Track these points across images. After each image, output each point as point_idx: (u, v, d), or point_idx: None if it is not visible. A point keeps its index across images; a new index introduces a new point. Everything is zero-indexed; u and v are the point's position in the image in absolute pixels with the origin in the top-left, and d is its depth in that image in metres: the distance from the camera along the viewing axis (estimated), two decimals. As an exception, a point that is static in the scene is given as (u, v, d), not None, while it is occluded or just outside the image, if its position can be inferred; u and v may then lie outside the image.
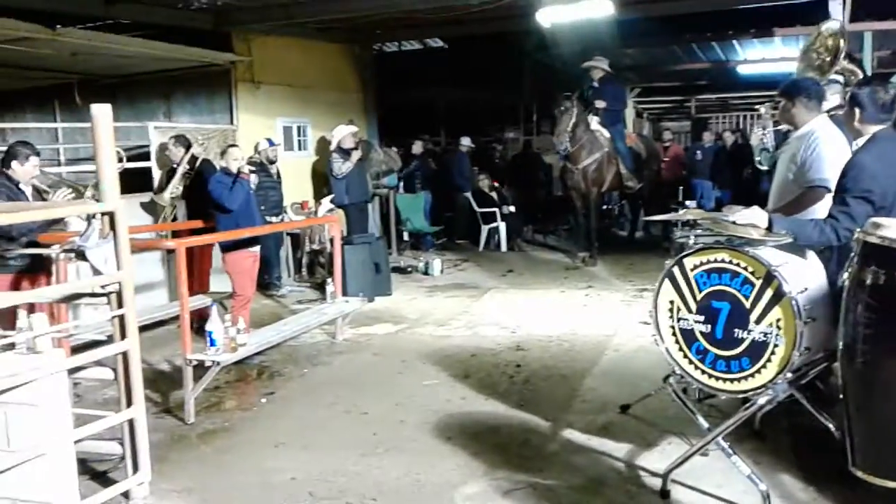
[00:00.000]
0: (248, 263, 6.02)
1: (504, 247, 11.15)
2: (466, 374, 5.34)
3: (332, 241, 6.80)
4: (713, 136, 12.88)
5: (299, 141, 10.05)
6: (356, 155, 9.16)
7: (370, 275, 7.96)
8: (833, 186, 3.94)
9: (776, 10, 10.19)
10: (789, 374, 3.17)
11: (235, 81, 8.98)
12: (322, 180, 9.94)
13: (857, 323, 2.68)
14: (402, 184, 11.62)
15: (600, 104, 9.78)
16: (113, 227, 3.51)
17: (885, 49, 11.30)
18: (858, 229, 2.78)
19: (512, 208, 11.48)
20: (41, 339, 3.15)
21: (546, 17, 7.80)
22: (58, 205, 4.73)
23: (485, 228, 11.30)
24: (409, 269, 9.55)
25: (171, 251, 6.13)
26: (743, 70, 14.40)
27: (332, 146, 9.28)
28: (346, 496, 3.57)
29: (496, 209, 11.24)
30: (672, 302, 3.49)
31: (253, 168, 6.41)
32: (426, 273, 9.38)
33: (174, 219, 7.30)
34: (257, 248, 6.16)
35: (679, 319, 3.47)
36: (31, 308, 3.51)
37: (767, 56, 13.70)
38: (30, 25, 6.77)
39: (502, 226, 11.17)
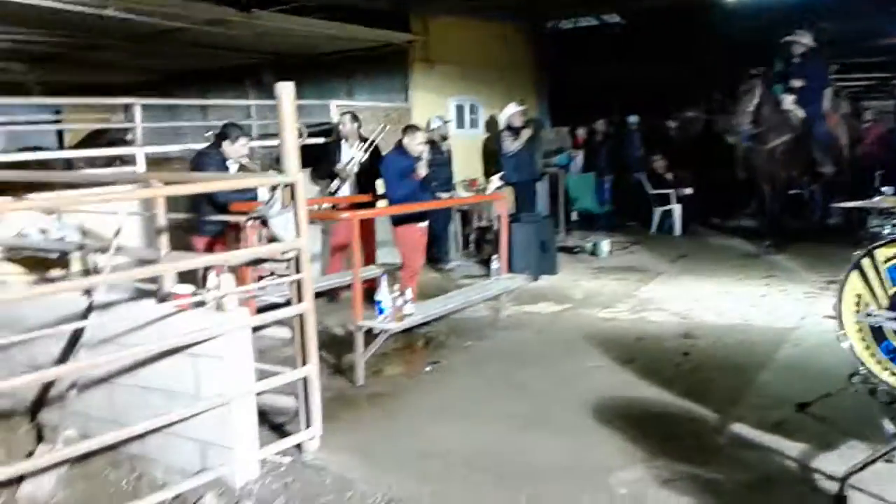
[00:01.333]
0: (417, 237, 6.21)
1: (678, 230, 10.73)
2: (630, 358, 5.21)
3: (499, 218, 6.84)
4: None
5: (471, 119, 10.20)
6: (525, 133, 9.16)
7: (536, 253, 7.95)
8: None
9: None
10: None
11: (411, 61, 9.24)
12: (491, 158, 10.03)
13: None
14: (572, 163, 11.49)
15: (797, 83, 9.03)
16: (293, 197, 3.74)
17: None
18: None
19: (689, 191, 11.00)
20: (228, 298, 3.43)
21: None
22: (244, 176, 5.13)
23: (657, 211, 10.92)
24: (577, 250, 9.44)
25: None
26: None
27: (502, 125, 9.32)
28: (501, 470, 3.61)
29: (670, 191, 10.82)
30: (860, 296, 3.22)
31: (429, 169, 6.44)
32: (593, 254, 9.24)
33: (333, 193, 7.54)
34: (426, 223, 6.33)
35: (867, 315, 3.19)
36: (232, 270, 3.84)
37: None
38: (226, 9, 7.32)
39: (677, 209, 10.74)
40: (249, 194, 5.28)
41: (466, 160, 9.80)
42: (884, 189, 3.86)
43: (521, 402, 4.52)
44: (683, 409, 4.28)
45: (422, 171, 6.18)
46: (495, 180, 9.10)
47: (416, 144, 6.16)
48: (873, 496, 3.16)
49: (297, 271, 3.71)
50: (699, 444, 3.81)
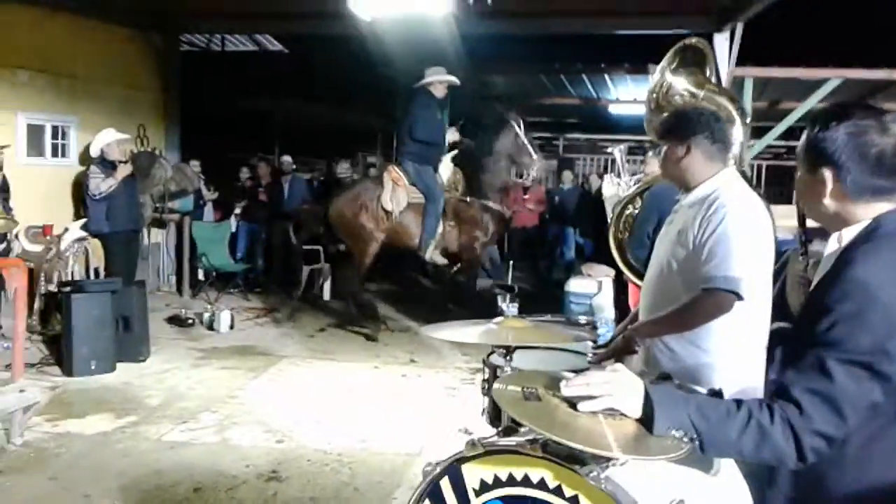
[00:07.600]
0: None
1: (327, 294, 9.17)
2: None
3: (18, 292, 4.61)
4: (576, 179, 11.59)
5: (55, 145, 7.65)
6: (124, 170, 6.99)
7: (111, 335, 5.81)
8: (744, 289, 2.31)
9: (651, 45, 8.96)
10: None
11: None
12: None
13: None
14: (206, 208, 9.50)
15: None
16: None
17: (762, 100, 10.28)
18: None
19: (342, 246, 9.52)
20: None
21: (362, 8, 5.78)
22: None
23: (306, 269, 9.27)
24: (191, 321, 7.41)
25: None
26: (614, 110, 13.24)
27: (93, 155, 7.09)
28: None
29: (320, 247, 9.23)
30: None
31: None
32: (211, 328, 7.29)
33: None
34: None
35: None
36: None
37: (640, 97, 12.56)
38: None
39: (327, 268, 9.18)
40: None
41: (45, 200, 7.27)
42: (506, 307, 2.42)
43: None
44: None
45: None
46: (74, 229, 6.81)
47: None
48: None
49: None
50: None
